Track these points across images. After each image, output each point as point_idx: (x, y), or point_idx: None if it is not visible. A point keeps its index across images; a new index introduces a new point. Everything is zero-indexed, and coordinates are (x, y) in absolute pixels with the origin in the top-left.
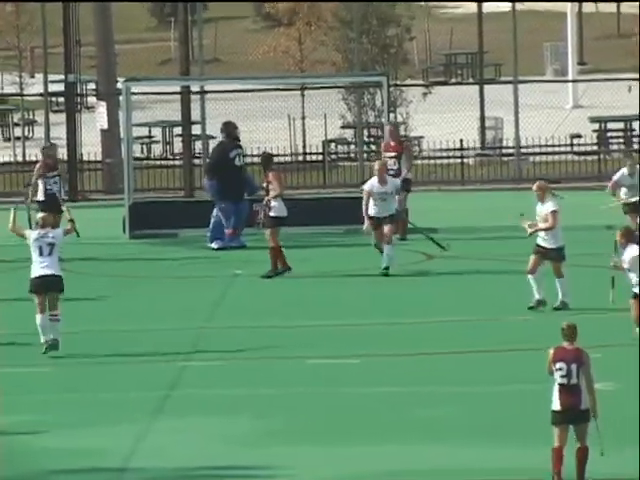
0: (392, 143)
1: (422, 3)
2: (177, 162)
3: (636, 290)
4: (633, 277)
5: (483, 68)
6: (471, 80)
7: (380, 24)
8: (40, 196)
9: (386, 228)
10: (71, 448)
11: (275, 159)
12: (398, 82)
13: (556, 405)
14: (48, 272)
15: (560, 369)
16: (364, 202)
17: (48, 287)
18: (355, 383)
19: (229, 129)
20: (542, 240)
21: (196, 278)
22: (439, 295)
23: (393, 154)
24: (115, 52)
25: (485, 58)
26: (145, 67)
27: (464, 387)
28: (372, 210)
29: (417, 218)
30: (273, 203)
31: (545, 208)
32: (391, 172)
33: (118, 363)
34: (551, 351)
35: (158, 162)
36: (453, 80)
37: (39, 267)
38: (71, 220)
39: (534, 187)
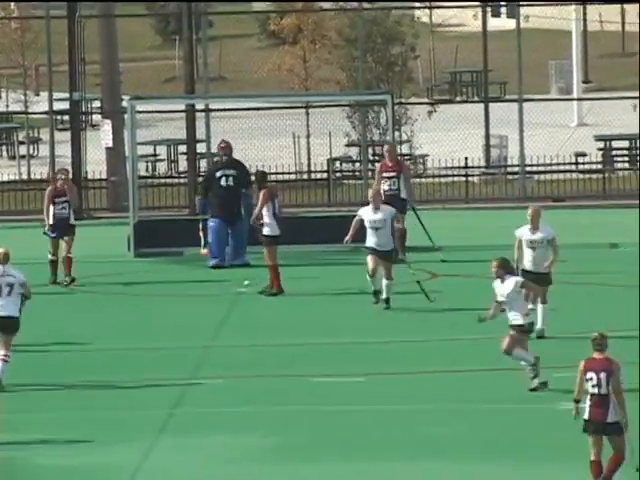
0: (389, 164)
1: (427, 21)
2: (182, 180)
3: (515, 322)
4: (510, 310)
5: (488, 86)
6: (476, 98)
7: (384, 42)
8: (50, 220)
9: (385, 264)
10: (75, 466)
11: (280, 177)
12: (403, 100)
13: (585, 414)
14: (4, 314)
15: (590, 379)
16: (353, 224)
17: (3, 329)
18: (361, 401)
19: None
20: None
21: (201, 296)
22: (443, 313)
23: (392, 174)
24: (120, 70)
25: (490, 76)
26: (150, 85)
27: (469, 405)
28: (370, 240)
29: (421, 236)
30: (266, 221)
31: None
32: (389, 193)
33: (122, 381)
34: (582, 362)
35: (163, 180)
36: (458, 98)
37: None
38: None
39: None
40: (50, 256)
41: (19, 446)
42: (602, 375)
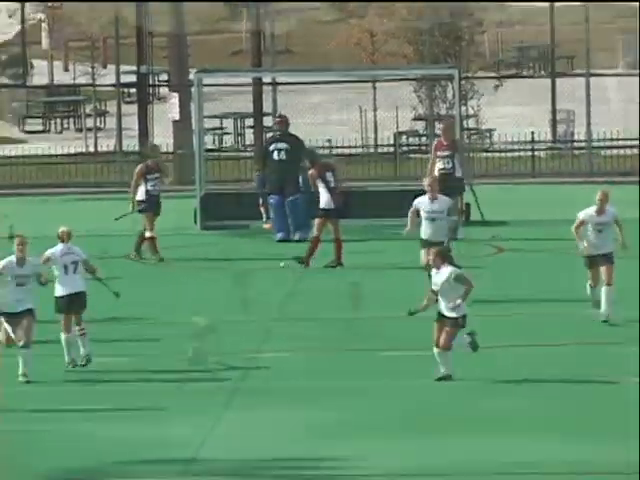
0: (445, 142)
1: None
2: (249, 153)
3: (449, 315)
4: (443, 301)
5: (555, 61)
6: (543, 73)
7: (452, 16)
8: (140, 195)
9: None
10: (140, 438)
11: (347, 151)
12: (469, 75)
13: None
14: (73, 290)
15: None
16: (409, 218)
17: (74, 306)
18: (426, 375)
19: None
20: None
21: (267, 270)
22: (510, 287)
23: (446, 153)
24: (187, 43)
25: (557, 51)
26: (217, 58)
27: (535, 381)
28: (423, 232)
29: (487, 210)
30: (322, 194)
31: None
32: (443, 171)
33: (187, 354)
34: None
35: (230, 153)
36: (525, 73)
37: (64, 285)
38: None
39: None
40: (148, 233)
41: (82, 417)
42: None
